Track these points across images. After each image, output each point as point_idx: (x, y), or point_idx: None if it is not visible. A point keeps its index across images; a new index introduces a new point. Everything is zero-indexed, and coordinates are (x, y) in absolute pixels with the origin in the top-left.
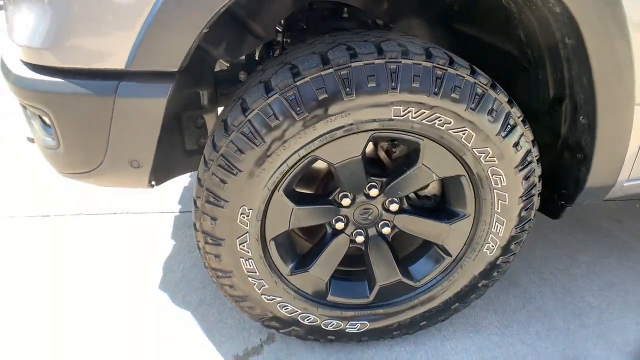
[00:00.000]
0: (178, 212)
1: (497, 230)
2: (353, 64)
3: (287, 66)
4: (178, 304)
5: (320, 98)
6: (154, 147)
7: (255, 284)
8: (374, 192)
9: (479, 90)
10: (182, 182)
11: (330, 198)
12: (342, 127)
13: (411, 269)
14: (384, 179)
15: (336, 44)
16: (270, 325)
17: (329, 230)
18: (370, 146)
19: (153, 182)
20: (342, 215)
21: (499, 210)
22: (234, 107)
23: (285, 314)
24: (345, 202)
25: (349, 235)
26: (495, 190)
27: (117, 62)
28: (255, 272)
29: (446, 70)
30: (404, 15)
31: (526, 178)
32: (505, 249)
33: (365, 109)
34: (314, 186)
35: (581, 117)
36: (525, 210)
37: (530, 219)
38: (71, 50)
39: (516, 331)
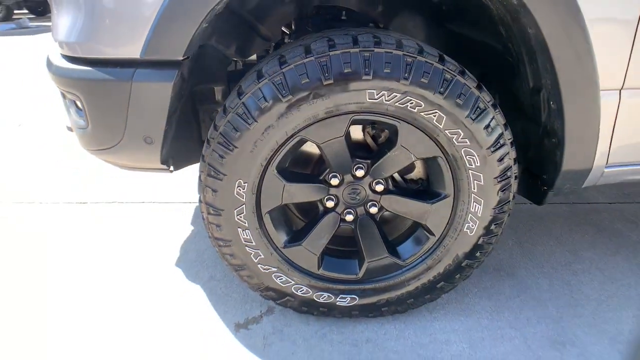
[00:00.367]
0: (197, 202)
1: (476, 210)
2: (331, 53)
3: (277, 56)
4: (190, 279)
5: (302, 82)
6: (164, 125)
7: (252, 253)
8: (360, 172)
9: (448, 76)
10: None
11: (321, 178)
12: (324, 109)
13: (399, 248)
14: (369, 161)
15: (320, 38)
16: (267, 296)
17: (321, 208)
18: (359, 132)
19: (172, 168)
20: (332, 195)
21: (475, 190)
22: (232, 93)
23: (280, 284)
24: (334, 181)
25: (340, 214)
26: (470, 171)
27: (133, 52)
28: (252, 242)
29: (415, 57)
30: (398, 17)
31: (500, 160)
32: (486, 230)
33: (343, 92)
34: (309, 168)
35: (551, 103)
36: (503, 191)
37: (509, 201)
38: (97, 44)
39: (507, 317)
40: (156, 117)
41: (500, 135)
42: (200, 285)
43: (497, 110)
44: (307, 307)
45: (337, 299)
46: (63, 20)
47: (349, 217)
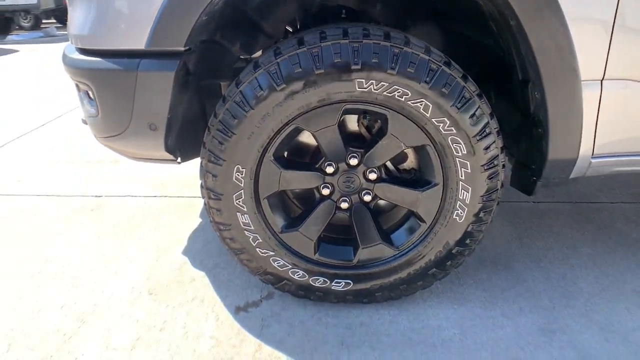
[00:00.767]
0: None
1: (464, 198)
2: (323, 44)
3: (273, 49)
4: (195, 267)
5: (296, 72)
6: (167, 112)
7: (250, 237)
8: (354, 161)
9: (433, 66)
10: None
11: (317, 166)
12: (316, 98)
13: (392, 236)
14: (362, 150)
15: (313, 31)
16: (266, 280)
17: (317, 196)
18: (353, 122)
19: (179, 159)
20: (327, 183)
21: (463, 178)
22: (231, 83)
23: (278, 267)
24: (329, 170)
25: (335, 202)
26: (457, 159)
27: (139, 44)
28: (251, 226)
29: (402, 48)
30: (396, 16)
31: (486, 148)
32: (476, 217)
33: (334, 82)
34: (306, 157)
35: (535, 93)
36: (490, 179)
37: (497, 189)
38: (106, 36)
39: (500, 306)
40: (160, 105)
41: (486, 124)
42: (205, 272)
43: (482, 100)
44: (304, 292)
45: (332, 284)
46: (76, 15)
47: (344, 205)
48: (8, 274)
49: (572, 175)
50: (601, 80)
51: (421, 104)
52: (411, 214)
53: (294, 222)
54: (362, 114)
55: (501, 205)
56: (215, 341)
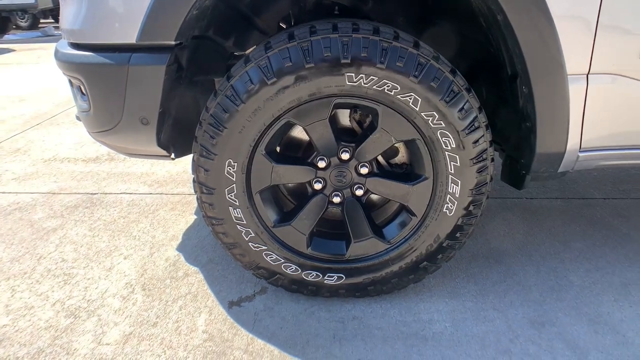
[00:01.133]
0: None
1: (454, 191)
2: (313, 38)
3: (264, 43)
4: (190, 262)
5: (285, 66)
6: (158, 106)
7: (243, 231)
8: (345, 155)
9: (422, 61)
10: None
11: (309, 160)
12: (307, 92)
13: (384, 230)
14: (353, 144)
15: (303, 25)
16: (259, 274)
17: (310, 190)
18: (345, 117)
19: (173, 155)
20: (320, 177)
21: (452, 172)
22: (223, 78)
23: (270, 262)
24: (321, 164)
25: (327, 196)
26: (446, 153)
27: (130, 38)
28: (243, 221)
29: (391, 43)
30: (388, 12)
31: (475, 142)
32: (466, 211)
33: (324, 76)
34: (299, 152)
35: (523, 87)
36: (479, 173)
37: (487, 183)
38: (97, 30)
39: (491, 300)
40: (151, 99)
41: (475, 118)
42: (199, 267)
43: (471, 94)
44: (297, 286)
45: (325, 278)
46: (67, 10)
47: (336, 199)
48: (1, 271)
49: (560, 169)
50: (587, 75)
51: (410, 98)
52: (402, 207)
53: (286, 217)
54: (353, 108)
55: (494, 201)
56: (208, 335)
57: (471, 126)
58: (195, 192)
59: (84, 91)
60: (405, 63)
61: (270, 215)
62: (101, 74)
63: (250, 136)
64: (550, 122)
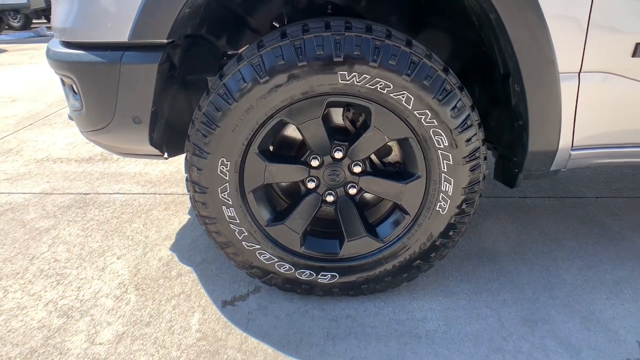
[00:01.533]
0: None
1: (447, 190)
2: (305, 37)
3: (257, 41)
4: (183, 262)
5: (278, 64)
6: (150, 105)
7: (236, 230)
8: (338, 154)
9: (415, 59)
10: None
11: (302, 159)
12: (300, 90)
13: (377, 229)
14: (346, 143)
15: (296, 23)
16: (252, 273)
17: (303, 189)
18: (338, 116)
19: (166, 155)
20: (313, 176)
21: (445, 170)
22: (215, 77)
23: (264, 261)
24: (314, 163)
25: (320, 195)
26: (439, 151)
27: (122, 36)
28: (236, 220)
29: (383, 41)
30: (381, 11)
31: (468, 140)
32: (459, 209)
33: (316, 74)
34: (292, 151)
35: (515, 86)
36: (472, 171)
37: (480, 181)
38: (89, 29)
39: (484, 298)
40: (143, 98)
41: (468, 117)
42: (193, 267)
43: (463, 93)
44: (291, 285)
45: (319, 277)
46: (59, 8)
47: (330, 198)
48: None
49: (552, 168)
50: (579, 73)
51: (403, 97)
52: (396, 206)
53: (279, 216)
54: (346, 106)
55: (487, 200)
56: (201, 334)
57: (464, 124)
58: (188, 191)
59: (76, 90)
60: (398, 61)
61: (263, 214)
62: (93, 73)
63: (243, 135)
64: (542, 120)
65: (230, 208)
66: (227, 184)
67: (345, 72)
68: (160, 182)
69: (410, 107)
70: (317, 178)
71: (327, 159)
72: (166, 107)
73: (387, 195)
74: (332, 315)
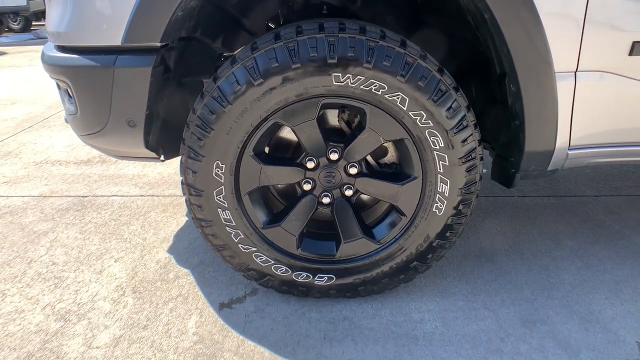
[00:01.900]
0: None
1: (443, 190)
2: (299, 39)
3: (251, 44)
4: (181, 264)
5: (272, 66)
6: (145, 108)
7: (232, 233)
8: (334, 156)
9: (409, 60)
10: None
11: (298, 161)
12: (294, 92)
13: (374, 230)
14: (342, 145)
15: (290, 25)
16: (249, 276)
17: (299, 191)
18: (334, 117)
19: (162, 157)
20: (309, 178)
21: (441, 171)
22: (210, 80)
23: (260, 263)
24: (310, 164)
25: (317, 197)
26: (435, 152)
27: (115, 40)
28: (232, 222)
29: (378, 42)
30: (376, 11)
31: (464, 141)
32: (455, 210)
33: (310, 76)
34: (288, 153)
35: (511, 85)
36: (469, 172)
37: (476, 182)
38: (83, 32)
39: (482, 299)
40: (138, 101)
41: (463, 117)
42: (190, 269)
43: (459, 93)
44: (287, 287)
45: (315, 279)
46: (53, 12)
47: (326, 200)
48: None
49: (550, 167)
50: (575, 72)
51: (398, 98)
52: (392, 207)
53: (276, 218)
54: (341, 108)
55: (486, 199)
56: (198, 337)
57: (459, 125)
58: (184, 194)
59: (70, 94)
60: (393, 62)
61: (259, 216)
62: (87, 77)
63: (237, 137)
64: (538, 120)
65: (226, 211)
66: (223, 186)
67: (340, 74)
68: (158, 184)
69: (405, 108)
70: (313, 180)
71: (323, 160)
72: (162, 109)
73: (384, 197)
74: (330, 317)
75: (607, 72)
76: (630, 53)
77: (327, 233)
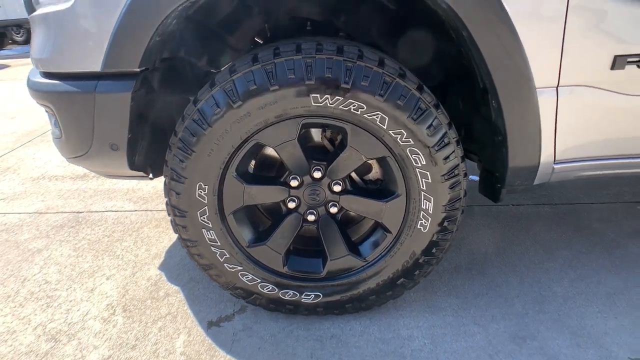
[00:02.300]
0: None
1: (427, 207)
2: (276, 60)
3: (229, 66)
4: (171, 281)
5: (250, 89)
6: (127, 132)
7: (217, 252)
8: (317, 174)
9: (387, 79)
10: None
11: (281, 180)
12: (273, 114)
13: (360, 247)
14: (325, 163)
15: (268, 47)
16: (236, 294)
17: (284, 209)
18: (317, 136)
19: (151, 175)
20: (293, 196)
21: (424, 188)
22: (190, 102)
23: (247, 282)
24: (294, 183)
25: (302, 215)
26: (417, 169)
27: (95, 66)
28: (217, 242)
29: (355, 62)
30: (360, 25)
31: (446, 158)
32: (440, 226)
33: (289, 98)
34: (273, 172)
35: (492, 101)
36: (452, 188)
37: (460, 198)
38: (64, 59)
39: (472, 314)
40: (119, 125)
41: (445, 135)
42: (180, 286)
43: (439, 110)
44: (275, 305)
45: (302, 297)
46: (36, 39)
47: (311, 217)
48: None
49: (536, 182)
50: (556, 87)
51: (377, 117)
52: (377, 224)
53: (261, 236)
54: (323, 127)
55: (479, 208)
56: (186, 357)
57: (441, 142)
58: (169, 214)
59: (54, 119)
60: (370, 82)
61: (245, 235)
62: (69, 102)
63: (219, 159)
64: (520, 135)
65: (211, 231)
66: (206, 207)
67: (318, 95)
68: (152, 198)
69: (385, 127)
70: (298, 198)
71: (307, 178)
72: (147, 130)
73: (368, 214)
74: (317, 335)
75: (590, 86)
76: (612, 67)
77: (314, 250)
